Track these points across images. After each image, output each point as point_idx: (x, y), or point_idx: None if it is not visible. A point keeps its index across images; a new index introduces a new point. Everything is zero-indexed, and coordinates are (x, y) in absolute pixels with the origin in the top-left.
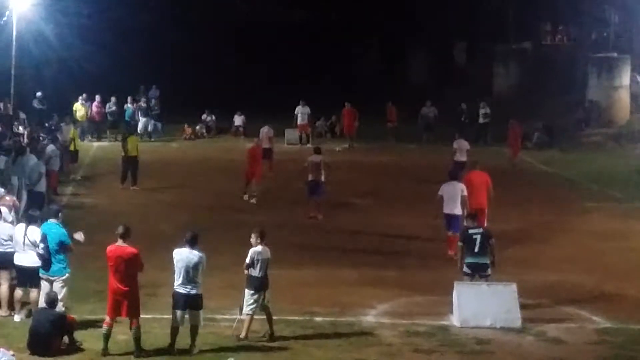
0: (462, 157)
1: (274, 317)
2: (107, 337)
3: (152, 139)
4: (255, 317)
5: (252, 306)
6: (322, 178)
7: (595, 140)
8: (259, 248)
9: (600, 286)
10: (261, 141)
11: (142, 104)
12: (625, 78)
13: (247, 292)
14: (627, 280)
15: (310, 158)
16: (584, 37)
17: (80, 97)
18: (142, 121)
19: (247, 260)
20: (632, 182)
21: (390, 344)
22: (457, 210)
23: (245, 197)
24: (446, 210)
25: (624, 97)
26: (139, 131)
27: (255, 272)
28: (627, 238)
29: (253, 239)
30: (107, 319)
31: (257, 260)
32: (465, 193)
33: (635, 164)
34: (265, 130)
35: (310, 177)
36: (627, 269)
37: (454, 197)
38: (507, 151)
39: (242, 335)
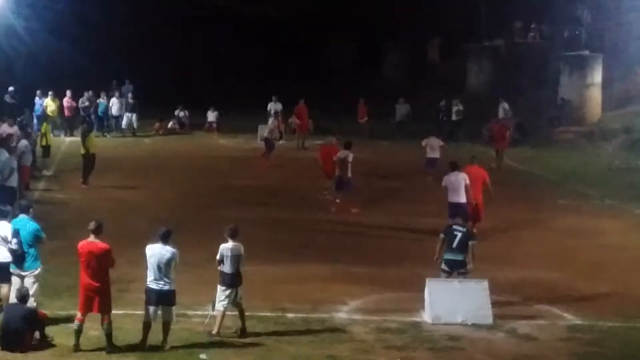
0: (433, 154)
1: (247, 313)
2: (78, 332)
3: (133, 135)
4: (228, 313)
5: (223, 302)
6: (349, 174)
7: (568, 138)
8: (229, 244)
9: (572, 283)
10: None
11: (130, 100)
12: (597, 76)
13: (219, 288)
14: (598, 277)
15: (338, 154)
16: (556, 35)
17: (49, 93)
18: (126, 116)
19: (217, 256)
20: (604, 179)
21: (362, 340)
22: (462, 199)
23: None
24: (451, 199)
25: (595, 95)
26: (123, 126)
27: (226, 268)
28: (598, 235)
29: (225, 235)
30: (79, 314)
31: (227, 256)
32: (468, 182)
33: (606, 161)
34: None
35: (337, 173)
36: (599, 266)
37: (457, 186)
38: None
39: (214, 331)
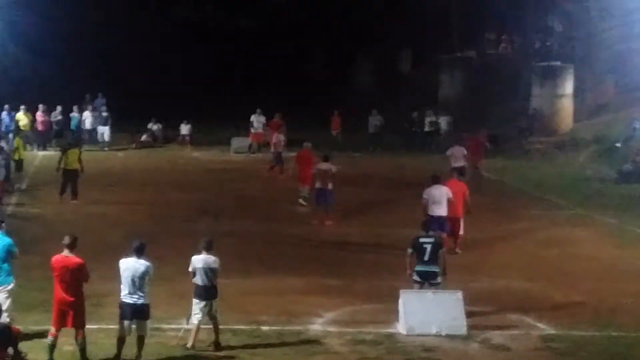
0: (457, 163)
1: (221, 327)
2: (52, 347)
3: (106, 149)
4: (203, 326)
5: (197, 315)
6: (330, 186)
7: (539, 148)
8: (200, 256)
9: (545, 293)
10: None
11: (103, 113)
12: (568, 87)
13: (194, 301)
14: (571, 286)
15: (318, 166)
16: (527, 46)
17: (21, 107)
18: (100, 130)
19: (190, 268)
20: (576, 189)
21: (336, 353)
22: (443, 212)
23: (300, 200)
24: (432, 212)
25: (567, 105)
26: (98, 140)
27: (198, 280)
28: (571, 245)
29: (200, 248)
30: (53, 329)
31: (198, 268)
32: (451, 195)
33: (578, 171)
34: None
35: (317, 185)
36: (571, 275)
37: (439, 200)
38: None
39: (189, 344)
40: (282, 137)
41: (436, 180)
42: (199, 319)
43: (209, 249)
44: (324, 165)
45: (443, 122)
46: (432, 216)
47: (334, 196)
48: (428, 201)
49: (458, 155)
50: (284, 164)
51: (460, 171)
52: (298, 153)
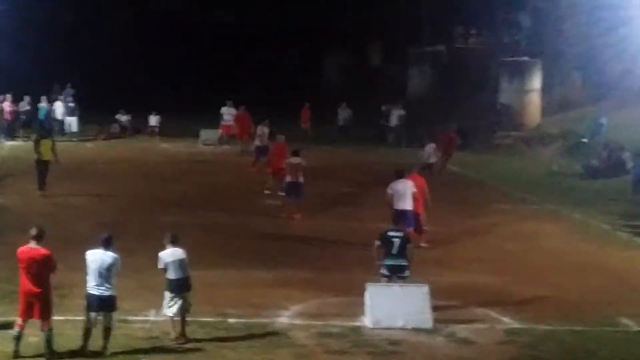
0: (431, 159)
1: (188, 319)
2: (18, 339)
3: (74, 139)
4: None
5: (172, 309)
6: (301, 179)
7: (507, 143)
8: (169, 251)
9: (510, 287)
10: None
11: (70, 103)
12: (536, 82)
13: (167, 295)
14: (536, 281)
15: (289, 160)
16: (496, 41)
17: None
18: (67, 120)
19: (161, 265)
20: (543, 184)
21: (303, 345)
22: (408, 206)
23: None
24: (397, 207)
25: (534, 100)
26: (66, 131)
27: (171, 274)
28: (537, 239)
29: (165, 242)
30: (19, 320)
31: (168, 262)
32: (415, 189)
33: (545, 166)
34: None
35: (288, 179)
36: (537, 270)
37: (404, 194)
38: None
39: (172, 336)
40: (266, 130)
41: (400, 174)
42: (174, 312)
43: (175, 243)
44: (295, 159)
45: (394, 115)
46: (397, 210)
47: (304, 190)
48: (393, 196)
49: (431, 152)
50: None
51: (430, 167)
52: (273, 145)
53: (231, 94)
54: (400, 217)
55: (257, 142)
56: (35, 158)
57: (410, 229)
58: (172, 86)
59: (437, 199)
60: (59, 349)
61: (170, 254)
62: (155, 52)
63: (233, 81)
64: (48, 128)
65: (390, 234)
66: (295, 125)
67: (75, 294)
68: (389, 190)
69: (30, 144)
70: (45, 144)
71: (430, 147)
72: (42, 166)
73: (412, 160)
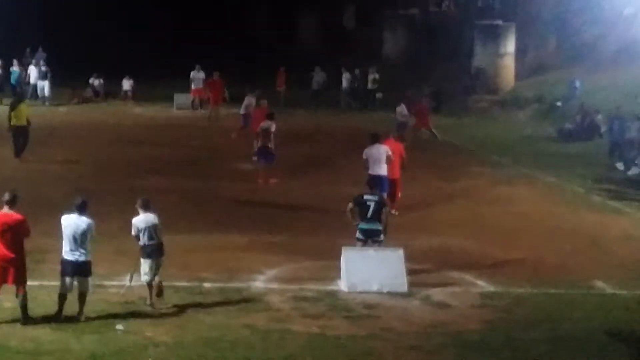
0: (402, 118)
1: (163, 283)
2: None
3: (47, 104)
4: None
5: (147, 275)
6: (270, 144)
7: (482, 107)
8: (141, 216)
9: (485, 250)
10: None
11: (42, 67)
12: (510, 45)
13: (142, 261)
14: (510, 244)
15: (262, 124)
16: (470, 4)
17: None
18: (39, 85)
19: (133, 231)
20: (517, 148)
21: (278, 309)
22: (383, 171)
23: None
24: (372, 172)
25: (509, 64)
26: (39, 95)
27: (145, 241)
28: (511, 203)
29: (137, 208)
30: None
31: (141, 228)
32: (390, 153)
33: (519, 130)
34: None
35: (259, 143)
36: (511, 233)
37: (378, 159)
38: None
39: (148, 302)
40: (253, 100)
41: (375, 139)
42: (150, 278)
43: (146, 208)
44: (266, 124)
45: (317, 79)
46: (372, 175)
47: (273, 154)
48: (368, 161)
49: (403, 112)
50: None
51: (402, 125)
52: (256, 110)
53: (205, 57)
54: (374, 182)
55: (242, 111)
56: (11, 123)
57: (384, 195)
58: (145, 50)
59: (413, 162)
60: (34, 315)
61: (142, 220)
62: (129, 16)
63: (207, 45)
64: (21, 92)
65: (366, 197)
66: (269, 89)
67: (49, 259)
68: (364, 156)
69: (2, 109)
70: (22, 109)
71: (402, 108)
72: (18, 132)
73: (387, 124)
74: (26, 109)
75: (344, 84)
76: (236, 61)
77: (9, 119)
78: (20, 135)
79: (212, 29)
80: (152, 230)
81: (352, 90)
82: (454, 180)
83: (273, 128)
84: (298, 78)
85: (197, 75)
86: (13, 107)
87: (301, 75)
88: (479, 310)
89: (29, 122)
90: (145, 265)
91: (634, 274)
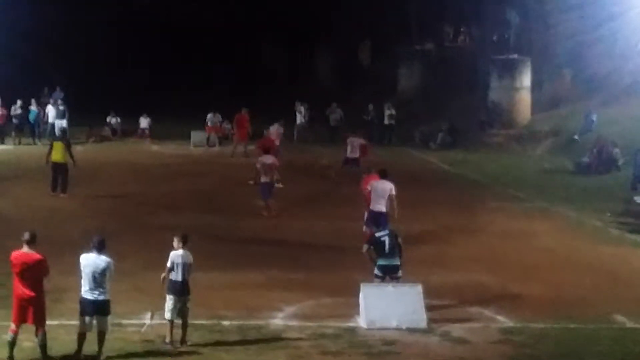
0: (352, 154)
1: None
2: (12, 344)
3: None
4: (159, 321)
5: (171, 311)
6: (269, 179)
7: (498, 141)
8: (180, 252)
9: (504, 285)
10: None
11: (60, 106)
12: (525, 79)
13: (168, 297)
14: (529, 279)
15: (261, 159)
16: (485, 39)
17: None
18: (57, 124)
19: (168, 264)
20: (534, 182)
21: (297, 347)
22: (383, 208)
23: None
24: (373, 207)
25: (524, 98)
26: (57, 134)
27: (177, 276)
28: (529, 237)
29: (175, 243)
30: (13, 325)
31: (177, 263)
32: (395, 192)
33: (536, 164)
34: (275, 128)
35: (263, 179)
36: (530, 268)
37: (382, 194)
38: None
39: (167, 339)
40: (281, 129)
41: (384, 174)
42: (174, 315)
43: (185, 243)
44: (269, 159)
45: (335, 115)
46: (374, 212)
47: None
48: (370, 193)
49: (355, 145)
50: None
51: (355, 162)
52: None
53: (223, 97)
54: (376, 219)
55: (276, 142)
56: (50, 161)
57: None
58: (162, 88)
59: (430, 198)
60: (54, 354)
61: (180, 256)
62: (146, 55)
63: (225, 84)
64: (61, 131)
65: (377, 234)
66: (286, 125)
67: (68, 298)
68: (369, 187)
69: (20, 149)
70: (58, 147)
71: (356, 142)
72: (56, 169)
73: (400, 158)
74: (61, 147)
75: (332, 122)
76: (253, 99)
77: (47, 156)
78: (58, 172)
79: (230, 68)
80: (185, 268)
81: (391, 126)
82: (471, 214)
83: (277, 163)
84: (315, 114)
85: (214, 119)
86: (51, 144)
87: (318, 112)
88: (499, 345)
89: (73, 160)
90: (170, 302)
91: None
